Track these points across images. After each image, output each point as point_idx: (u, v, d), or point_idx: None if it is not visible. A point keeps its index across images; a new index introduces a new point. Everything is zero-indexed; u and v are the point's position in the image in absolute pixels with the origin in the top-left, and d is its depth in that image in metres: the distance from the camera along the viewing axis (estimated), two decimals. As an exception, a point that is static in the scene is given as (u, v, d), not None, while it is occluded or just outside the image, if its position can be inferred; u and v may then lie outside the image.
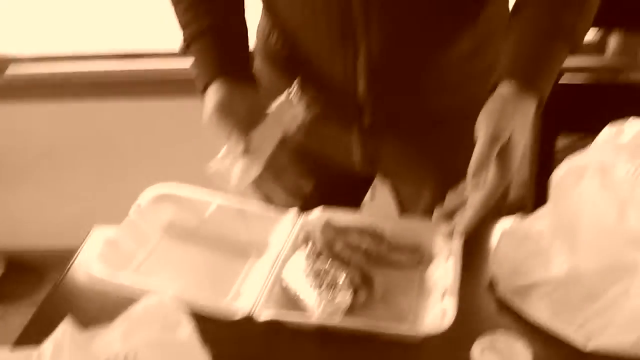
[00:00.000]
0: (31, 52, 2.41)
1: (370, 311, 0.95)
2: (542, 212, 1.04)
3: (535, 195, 1.50)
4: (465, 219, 0.96)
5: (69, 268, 1.08)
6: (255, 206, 1.12)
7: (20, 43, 2.41)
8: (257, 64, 1.20)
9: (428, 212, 1.18)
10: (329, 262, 0.96)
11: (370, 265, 1.00)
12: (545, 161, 1.46)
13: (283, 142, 1.01)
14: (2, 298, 2.58)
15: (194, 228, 1.11)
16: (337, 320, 0.91)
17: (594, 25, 1.00)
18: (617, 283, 0.90)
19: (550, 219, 1.00)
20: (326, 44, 1.03)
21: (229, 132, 0.96)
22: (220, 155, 0.98)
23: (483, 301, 0.98)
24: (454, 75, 1.07)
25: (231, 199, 1.11)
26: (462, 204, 0.97)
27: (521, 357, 0.80)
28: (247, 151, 0.94)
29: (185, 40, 1.04)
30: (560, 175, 0.97)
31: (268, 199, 1.02)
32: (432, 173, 1.18)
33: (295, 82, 1.01)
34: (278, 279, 0.98)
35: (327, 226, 1.04)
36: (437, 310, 0.91)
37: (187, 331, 0.82)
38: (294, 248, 1.03)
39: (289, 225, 1.08)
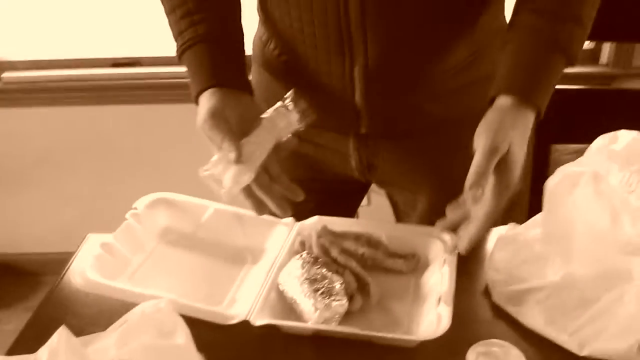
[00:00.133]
0: (27, 58, 2.41)
1: (366, 317, 0.96)
2: (537, 219, 1.04)
3: (530, 203, 1.50)
4: (469, 233, 0.96)
5: (65, 273, 1.08)
6: (251, 212, 1.12)
7: (15, 49, 2.41)
8: (254, 71, 1.20)
9: (424, 219, 1.19)
10: (325, 268, 0.97)
11: (366, 271, 1.00)
12: (539, 169, 1.46)
13: (277, 150, 1.01)
14: (-3, 303, 2.57)
15: (190, 233, 1.11)
16: (333, 326, 0.91)
17: (588, 38, 1.00)
18: (611, 290, 0.91)
19: (544, 226, 1.01)
20: (323, 53, 1.03)
21: (220, 139, 0.95)
22: (212, 161, 0.98)
23: (478, 307, 0.99)
24: (450, 83, 1.07)
25: (227, 205, 1.11)
26: (464, 217, 0.98)
27: (516, 363, 0.80)
28: (238, 158, 0.94)
29: (179, 48, 1.04)
30: (554, 182, 0.98)
31: (260, 207, 1.02)
32: (428, 180, 1.18)
33: (291, 90, 1.01)
34: (274, 285, 0.98)
35: (323, 232, 1.05)
36: (432, 316, 0.92)
37: (183, 337, 0.82)
38: (290, 254, 1.03)
39: (285, 231, 1.08)
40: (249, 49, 1.15)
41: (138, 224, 1.08)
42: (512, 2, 1.02)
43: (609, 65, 2.26)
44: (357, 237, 1.05)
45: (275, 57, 1.12)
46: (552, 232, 0.98)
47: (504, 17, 1.11)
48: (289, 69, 1.11)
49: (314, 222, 1.09)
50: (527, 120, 0.95)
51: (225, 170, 0.96)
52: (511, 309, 0.96)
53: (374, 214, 1.38)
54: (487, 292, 1.00)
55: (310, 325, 0.91)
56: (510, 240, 1.05)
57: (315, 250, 1.01)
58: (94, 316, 0.98)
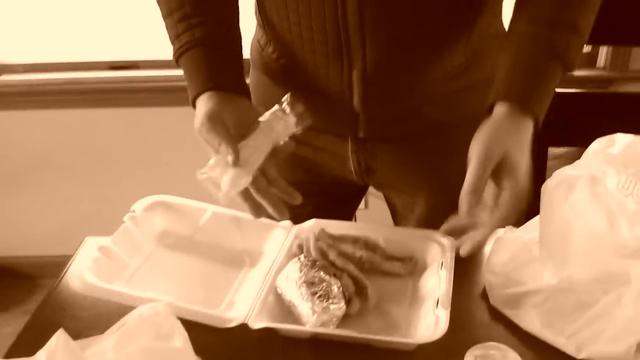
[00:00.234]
0: (25, 61, 2.41)
1: (363, 320, 0.96)
2: (534, 222, 1.04)
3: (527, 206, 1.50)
4: (474, 238, 0.97)
5: (62, 277, 1.08)
6: (249, 215, 1.13)
7: (13, 52, 2.41)
8: (252, 74, 1.20)
9: (422, 221, 1.19)
10: (322, 271, 0.97)
11: (363, 274, 1.00)
12: (536, 172, 1.47)
13: (275, 153, 1.01)
14: (-6, 306, 2.57)
15: (188, 236, 1.11)
16: (331, 329, 0.91)
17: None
18: (608, 293, 0.91)
19: (541, 229, 1.01)
20: (322, 57, 1.03)
21: (218, 142, 0.96)
22: (209, 164, 0.98)
23: (476, 310, 0.99)
24: (447, 88, 1.08)
25: (225, 208, 1.11)
26: (469, 224, 0.98)
27: (513, 366, 0.80)
28: (236, 161, 0.94)
29: (176, 51, 1.04)
30: (551, 186, 0.98)
31: (258, 210, 1.02)
32: (426, 182, 1.19)
33: (289, 93, 1.01)
34: (272, 288, 0.98)
35: (321, 235, 1.05)
36: (430, 319, 0.92)
37: (181, 340, 0.82)
38: (288, 257, 1.03)
39: (283, 235, 1.08)
40: (246, 52, 1.15)
41: (136, 227, 1.08)
42: (510, 4, 1.03)
43: (605, 68, 2.27)
44: (355, 240, 1.06)
45: (273, 61, 1.12)
46: (550, 235, 0.99)
47: (501, 21, 1.11)
48: (287, 72, 1.11)
49: (312, 225, 1.09)
50: (525, 127, 0.95)
51: (222, 174, 0.96)
52: (509, 312, 0.96)
53: (372, 218, 1.39)
54: (484, 295, 1.00)
55: (308, 329, 0.91)
56: (507, 243, 1.06)
57: (313, 254, 1.01)
58: (91, 319, 0.98)
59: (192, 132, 1.00)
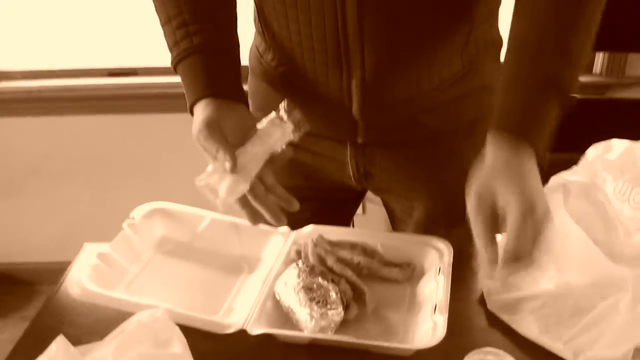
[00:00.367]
0: (23, 68, 2.41)
1: (361, 326, 0.96)
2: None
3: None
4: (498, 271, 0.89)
5: (61, 283, 1.08)
6: (247, 221, 1.13)
7: (12, 59, 2.41)
8: (250, 81, 1.21)
9: (420, 226, 1.20)
10: (320, 277, 0.97)
11: (361, 280, 1.01)
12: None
13: (273, 160, 1.01)
14: (-8, 313, 2.57)
15: (187, 243, 1.11)
16: (329, 335, 0.91)
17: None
18: (605, 298, 0.91)
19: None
20: (321, 66, 1.04)
21: (215, 149, 0.96)
22: (207, 171, 0.98)
23: (473, 316, 0.99)
24: (445, 95, 1.08)
25: (224, 215, 1.12)
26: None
27: (511, 371, 0.81)
28: (233, 168, 0.95)
29: (175, 58, 1.04)
30: (548, 191, 0.98)
31: (255, 217, 1.03)
32: (425, 187, 1.19)
33: (285, 100, 1.02)
34: (270, 294, 0.98)
35: (319, 241, 1.05)
36: (428, 324, 0.92)
37: (180, 346, 0.82)
38: (286, 263, 1.03)
39: (281, 241, 1.09)
40: (244, 59, 1.15)
41: (135, 234, 1.08)
42: (507, 10, 1.03)
43: (602, 74, 2.27)
44: (353, 246, 1.06)
45: (272, 68, 1.12)
46: (547, 240, 0.99)
47: (497, 29, 1.11)
48: (286, 79, 1.11)
49: (310, 231, 1.10)
50: (518, 161, 0.88)
51: (220, 180, 0.96)
52: (506, 318, 0.96)
53: (370, 225, 1.39)
54: (482, 301, 1.00)
55: (307, 334, 0.91)
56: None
57: (311, 259, 1.02)
58: (90, 325, 0.98)
59: (191, 139, 1.00)
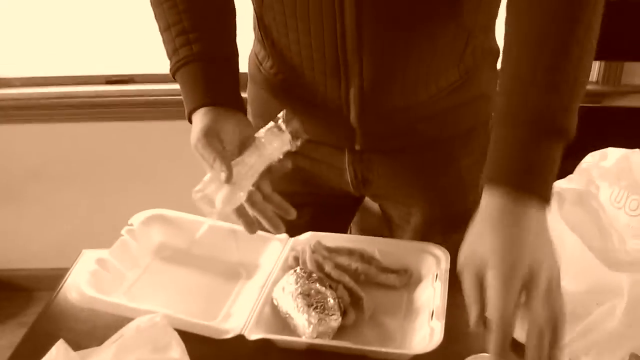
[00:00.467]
0: (21, 75, 2.42)
1: (359, 331, 0.96)
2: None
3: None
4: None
5: (60, 289, 1.08)
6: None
7: (10, 66, 2.41)
8: (250, 88, 1.21)
9: (418, 232, 1.20)
10: (318, 283, 0.97)
11: (359, 286, 1.01)
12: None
13: (270, 169, 1.02)
14: (-11, 319, 2.57)
15: (185, 249, 1.12)
16: (327, 341, 0.92)
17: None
18: (601, 304, 0.92)
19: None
20: (320, 75, 1.04)
21: (212, 159, 0.96)
22: (204, 180, 0.99)
23: (470, 322, 0.99)
24: (442, 104, 1.08)
25: (222, 221, 1.12)
26: None
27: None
28: (228, 179, 0.95)
29: (174, 65, 1.04)
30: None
31: (252, 226, 1.04)
32: (422, 194, 1.19)
33: (284, 110, 1.02)
34: (268, 300, 0.98)
35: (317, 247, 1.06)
36: (425, 330, 0.92)
37: (179, 351, 0.83)
38: (284, 269, 1.04)
39: (279, 247, 1.09)
40: (243, 67, 1.16)
41: (133, 240, 1.08)
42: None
43: (598, 82, 2.28)
44: (351, 253, 1.06)
45: (272, 75, 1.13)
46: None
47: (494, 38, 1.12)
48: (285, 87, 1.12)
49: (308, 237, 1.10)
50: (512, 218, 0.79)
51: (217, 190, 0.97)
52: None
53: (367, 231, 1.39)
54: (479, 307, 1.00)
55: (305, 340, 0.92)
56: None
57: (309, 266, 1.02)
58: (89, 331, 0.98)
59: (189, 146, 1.01)
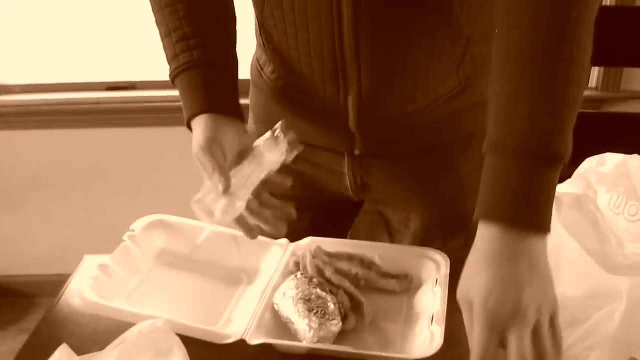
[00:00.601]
0: (22, 81, 2.42)
1: (359, 336, 0.97)
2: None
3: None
4: None
5: (62, 294, 1.09)
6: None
7: (11, 72, 2.42)
8: (252, 93, 1.22)
9: (417, 237, 1.20)
10: (319, 288, 0.98)
11: (359, 291, 1.01)
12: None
13: (267, 179, 1.03)
14: (-10, 325, 2.57)
15: (187, 255, 1.12)
16: (327, 345, 0.92)
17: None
18: (600, 308, 0.92)
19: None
20: (319, 81, 1.05)
21: (212, 169, 0.97)
22: (203, 189, 1.00)
23: (470, 326, 1.00)
24: (441, 110, 1.09)
25: (222, 227, 1.13)
26: None
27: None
28: (226, 191, 0.96)
29: (173, 71, 1.05)
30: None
31: (251, 233, 1.04)
32: (421, 199, 1.20)
33: (281, 121, 1.03)
34: (269, 305, 0.99)
35: (317, 252, 1.06)
36: (425, 335, 0.93)
37: (180, 356, 0.83)
38: (285, 274, 1.04)
39: (279, 252, 1.10)
40: (245, 71, 1.16)
41: (135, 246, 1.09)
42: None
43: (597, 88, 2.28)
44: (351, 258, 1.07)
45: (273, 81, 1.13)
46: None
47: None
48: (286, 92, 1.12)
49: (308, 242, 1.11)
50: (506, 257, 0.78)
51: (216, 200, 0.98)
52: (502, 328, 0.97)
53: (367, 236, 1.39)
54: (478, 312, 1.01)
55: (305, 344, 0.92)
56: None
57: (310, 271, 1.03)
58: (90, 336, 0.99)
59: (189, 152, 1.01)
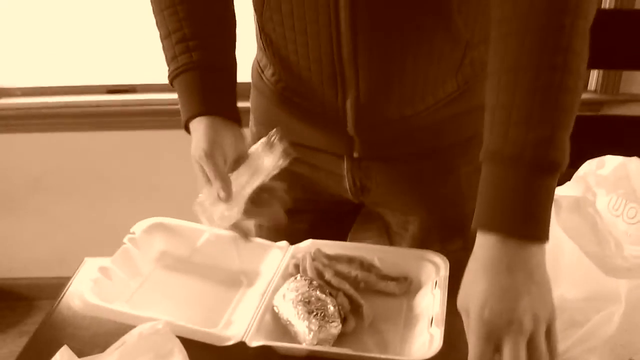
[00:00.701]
0: (23, 85, 2.43)
1: (359, 338, 0.97)
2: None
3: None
4: None
5: (62, 297, 1.09)
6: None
7: (11, 76, 2.43)
8: (253, 95, 1.23)
9: (417, 239, 1.20)
10: (318, 290, 0.98)
11: (359, 293, 1.02)
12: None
13: (263, 186, 1.04)
14: (-10, 328, 2.57)
15: (187, 257, 1.12)
16: (327, 347, 0.92)
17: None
18: (599, 311, 0.92)
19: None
20: (318, 85, 1.05)
21: (213, 176, 0.98)
22: (202, 194, 1.01)
23: (469, 329, 1.00)
24: (440, 114, 1.09)
25: (222, 230, 1.13)
26: None
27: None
28: (227, 199, 0.97)
29: (172, 71, 1.05)
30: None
31: (246, 235, 1.05)
32: (420, 202, 1.20)
33: (276, 128, 1.04)
34: (269, 307, 0.99)
35: (317, 255, 1.06)
36: (424, 337, 0.93)
37: (180, 358, 0.83)
38: (285, 277, 1.04)
39: (279, 255, 1.10)
40: (247, 74, 1.17)
41: (135, 248, 1.09)
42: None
43: (597, 91, 2.29)
44: (350, 260, 1.07)
45: (273, 83, 1.14)
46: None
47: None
48: (286, 95, 1.13)
49: (308, 245, 1.11)
50: (500, 264, 0.78)
51: (213, 206, 0.99)
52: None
53: (366, 238, 1.40)
54: (478, 314, 1.01)
55: (305, 347, 0.92)
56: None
57: (310, 273, 1.03)
58: (91, 338, 0.99)
59: (189, 155, 1.02)
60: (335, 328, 0.94)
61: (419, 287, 1.06)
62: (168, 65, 1.06)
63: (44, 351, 0.85)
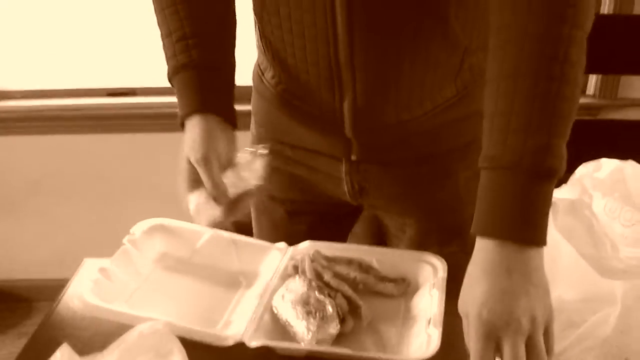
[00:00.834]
0: (23, 87, 2.43)
1: (357, 339, 0.97)
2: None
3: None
4: None
5: (62, 297, 1.09)
6: (245, 237, 1.15)
7: (12, 78, 2.43)
8: (254, 98, 1.23)
9: (414, 242, 1.21)
10: (317, 291, 0.98)
11: (357, 294, 1.02)
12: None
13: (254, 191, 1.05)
14: (-11, 329, 2.58)
15: (186, 258, 1.13)
16: (325, 347, 0.93)
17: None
18: (595, 312, 0.93)
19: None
20: (315, 88, 1.06)
21: (208, 184, 0.99)
22: (192, 196, 1.02)
23: (467, 330, 1.00)
24: (438, 119, 1.09)
25: (222, 231, 1.14)
26: None
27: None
28: (222, 203, 0.98)
29: (171, 69, 1.06)
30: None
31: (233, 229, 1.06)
32: (418, 205, 1.20)
33: (263, 145, 1.05)
34: (268, 308, 0.99)
35: (316, 256, 1.07)
36: (422, 338, 0.93)
37: (180, 358, 0.83)
38: (284, 278, 1.05)
39: (278, 256, 1.10)
40: (240, 80, 1.17)
41: (135, 249, 1.09)
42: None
43: (595, 96, 2.29)
44: (349, 262, 1.07)
45: (273, 86, 1.14)
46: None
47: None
48: (285, 98, 1.13)
49: (307, 246, 1.11)
50: (499, 268, 0.80)
51: (200, 206, 1.01)
52: (499, 332, 0.97)
53: (365, 240, 1.40)
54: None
55: (304, 347, 0.92)
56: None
57: (308, 274, 1.03)
58: (90, 338, 0.99)
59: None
60: (333, 328, 0.94)
61: (416, 289, 1.06)
62: (167, 63, 1.07)
63: (43, 351, 0.85)
